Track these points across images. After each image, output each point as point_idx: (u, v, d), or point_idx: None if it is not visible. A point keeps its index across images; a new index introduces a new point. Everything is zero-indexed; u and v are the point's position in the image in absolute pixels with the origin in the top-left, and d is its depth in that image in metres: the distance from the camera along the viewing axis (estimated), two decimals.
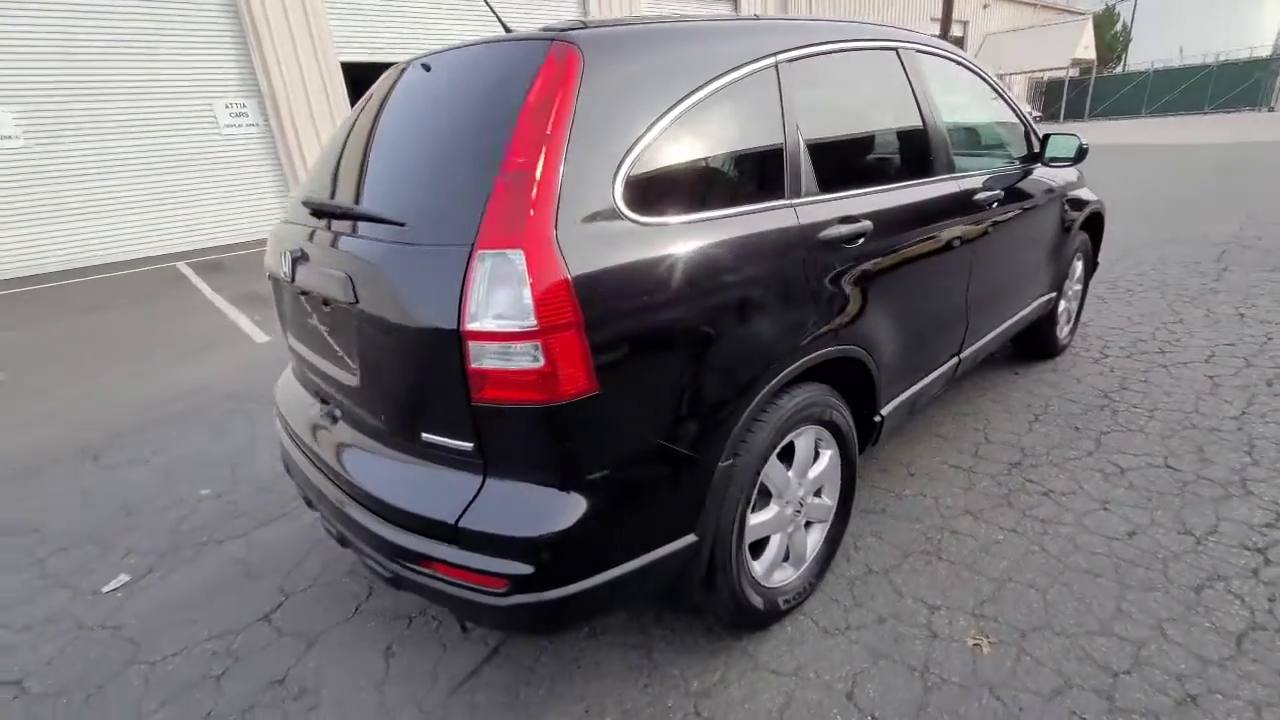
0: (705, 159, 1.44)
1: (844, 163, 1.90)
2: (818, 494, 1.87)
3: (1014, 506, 2.23)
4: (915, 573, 1.95)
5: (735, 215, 1.43)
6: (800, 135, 1.63)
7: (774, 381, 1.49)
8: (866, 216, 1.74)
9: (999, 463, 2.51)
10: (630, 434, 1.27)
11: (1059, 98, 30.69)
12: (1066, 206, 2.96)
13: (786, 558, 1.80)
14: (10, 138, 8.42)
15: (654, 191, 1.31)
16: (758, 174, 1.54)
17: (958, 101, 2.40)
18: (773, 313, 1.48)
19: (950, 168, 2.17)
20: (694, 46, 1.46)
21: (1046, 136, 2.65)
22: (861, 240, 1.71)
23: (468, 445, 1.23)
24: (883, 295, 1.85)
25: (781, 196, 1.56)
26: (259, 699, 1.69)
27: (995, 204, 2.33)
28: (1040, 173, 2.72)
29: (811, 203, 1.62)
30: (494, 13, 1.57)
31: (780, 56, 1.63)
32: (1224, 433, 2.57)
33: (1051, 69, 29.47)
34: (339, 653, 1.82)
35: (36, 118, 8.54)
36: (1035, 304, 2.93)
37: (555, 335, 1.13)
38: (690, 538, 1.41)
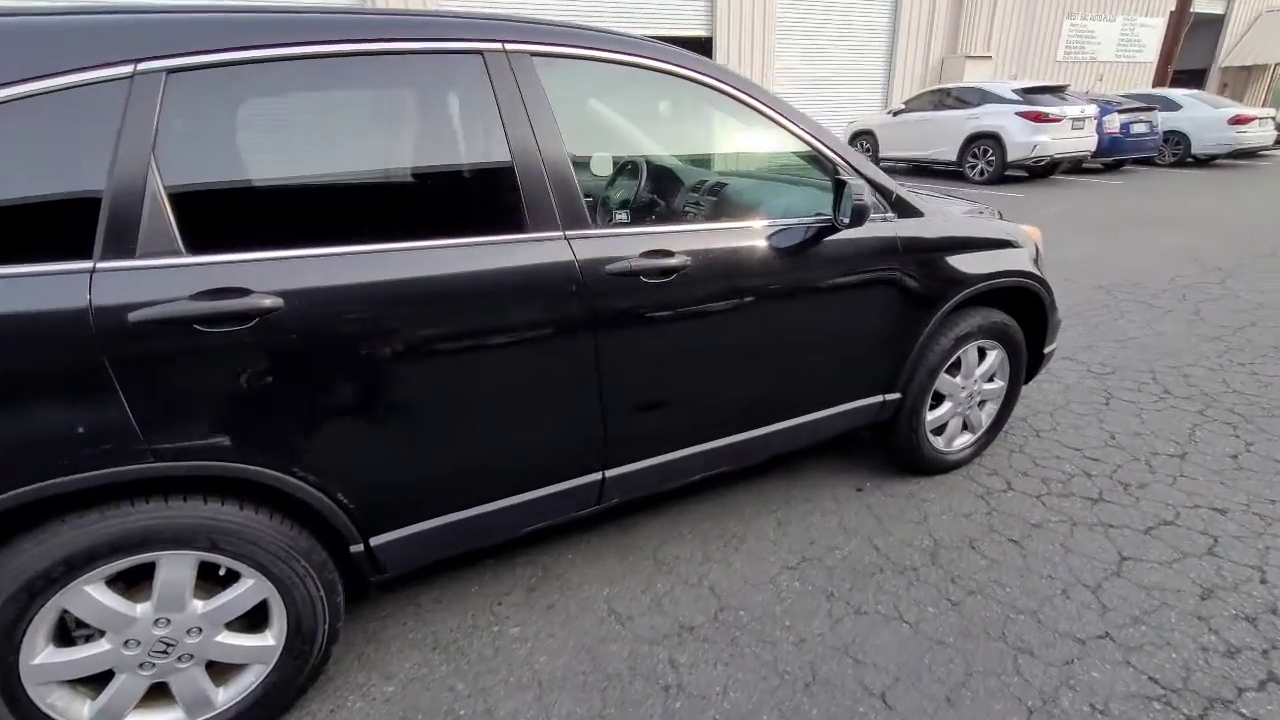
0: None
1: (281, 214, 1.44)
2: (252, 628, 1.47)
3: (607, 700, 1.62)
4: None
5: None
6: (159, 175, 1.21)
7: None
8: (284, 292, 1.28)
9: (674, 621, 1.85)
10: None
11: None
12: (915, 278, 2.06)
13: (179, 703, 1.44)
14: None
15: None
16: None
17: (656, 128, 1.72)
18: None
19: (572, 222, 1.55)
20: None
21: (841, 184, 1.81)
22: (256, 321, 1.26)
23: None
24: (343, 395, 1.38)
25: (83, 258, 1.16)
26: None
27: (673, 275, 1.65)
28: (852, 232, 1.90)
29: (148, 268, 1.19)
30: None
31: (149, 65, 1.20)
32: (1035, 658, 1.67)
33: None
34: None
35: None
36: (835, 410, 2.12)
37: None
38: None
